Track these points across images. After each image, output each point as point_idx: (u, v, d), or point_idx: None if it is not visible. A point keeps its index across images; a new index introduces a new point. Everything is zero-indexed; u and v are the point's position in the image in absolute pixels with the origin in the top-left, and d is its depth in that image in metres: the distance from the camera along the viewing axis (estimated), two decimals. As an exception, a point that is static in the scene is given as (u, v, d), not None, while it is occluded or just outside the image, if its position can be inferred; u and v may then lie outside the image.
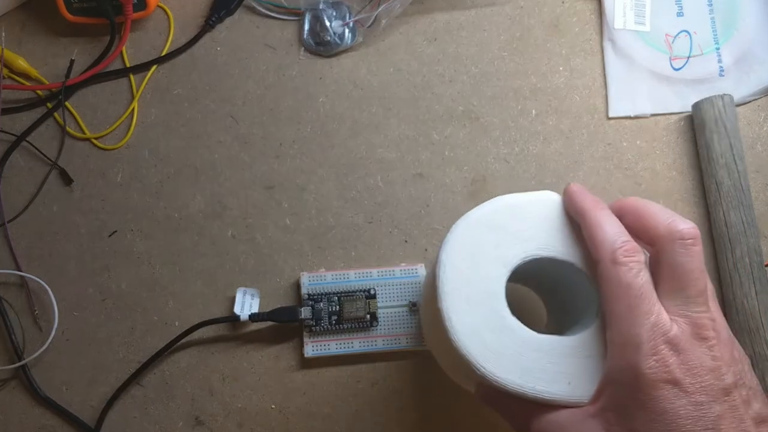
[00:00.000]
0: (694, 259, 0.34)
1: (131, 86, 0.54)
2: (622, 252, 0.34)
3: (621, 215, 0.37)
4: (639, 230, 0.36)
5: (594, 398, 0.35)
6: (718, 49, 0.55)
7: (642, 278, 0.34)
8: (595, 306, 0.37)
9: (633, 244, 0.35)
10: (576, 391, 0.35)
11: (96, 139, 0.53)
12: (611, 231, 0.35)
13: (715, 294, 0.35)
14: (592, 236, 0.36)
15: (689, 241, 0.34)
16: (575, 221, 0.38)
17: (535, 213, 0.39)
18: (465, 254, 0.38)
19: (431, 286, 0.39)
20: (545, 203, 0.39)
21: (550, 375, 0.36)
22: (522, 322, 0.37)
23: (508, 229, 0.38)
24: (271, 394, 0.50)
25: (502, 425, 0.49)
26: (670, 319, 0.33)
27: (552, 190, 0.40)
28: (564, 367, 0.36)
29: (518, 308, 0.38)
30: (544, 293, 0.47)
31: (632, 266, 0.34)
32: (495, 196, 0.39)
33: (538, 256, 0.38)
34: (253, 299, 0.50)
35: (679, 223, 0.34)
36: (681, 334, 0.32)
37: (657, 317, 0.33)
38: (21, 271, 0.50)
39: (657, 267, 0.35)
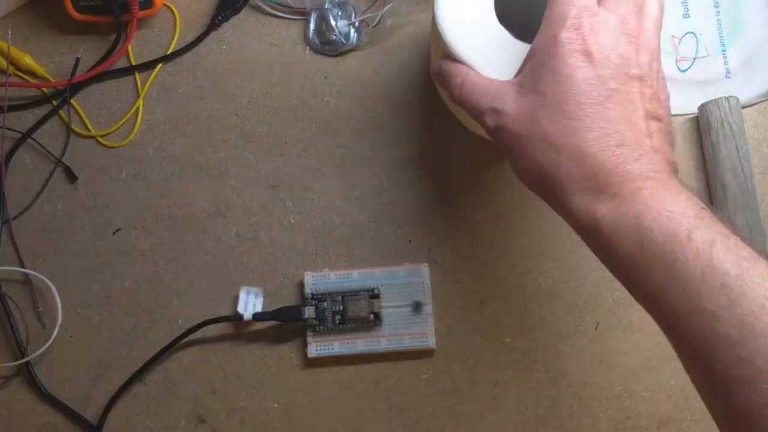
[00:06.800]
0: None
1: (137, 84, 0.54)
2: None
3: None
4: None
5: (518, 71, 0.38)
6: (724, 50, 0.55)
7: None
8: None
9: None
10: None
11: (101, 136, 0.53)
12: None
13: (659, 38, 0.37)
14: None
15: None
16: None
17: None
18: None
19: None
20: None
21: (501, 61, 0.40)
22: None
23: None
24: (273, 393, 0.49)
25: (506, 424, 0.49)
26: (603, 9, 0.36)
27: None
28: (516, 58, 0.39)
29: None
30: None
31: None
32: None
33: None
34: (256, 298, 0.50)
35: None
36: (606, 21, 0.35)
37: (589, 0, 0.35)
38: (25, 268, 0.51)
39: None
